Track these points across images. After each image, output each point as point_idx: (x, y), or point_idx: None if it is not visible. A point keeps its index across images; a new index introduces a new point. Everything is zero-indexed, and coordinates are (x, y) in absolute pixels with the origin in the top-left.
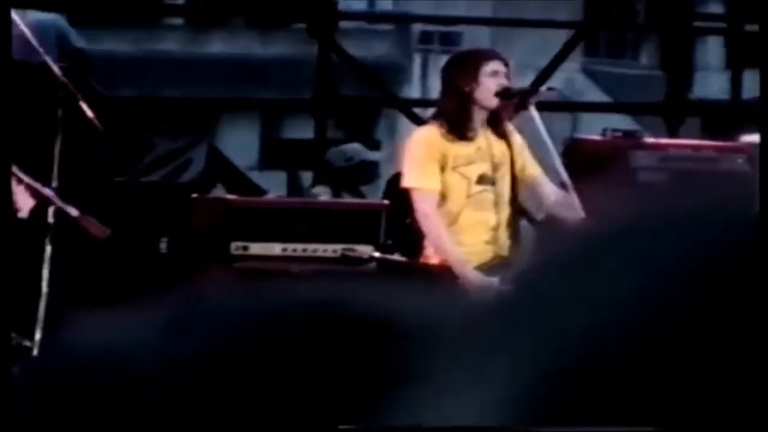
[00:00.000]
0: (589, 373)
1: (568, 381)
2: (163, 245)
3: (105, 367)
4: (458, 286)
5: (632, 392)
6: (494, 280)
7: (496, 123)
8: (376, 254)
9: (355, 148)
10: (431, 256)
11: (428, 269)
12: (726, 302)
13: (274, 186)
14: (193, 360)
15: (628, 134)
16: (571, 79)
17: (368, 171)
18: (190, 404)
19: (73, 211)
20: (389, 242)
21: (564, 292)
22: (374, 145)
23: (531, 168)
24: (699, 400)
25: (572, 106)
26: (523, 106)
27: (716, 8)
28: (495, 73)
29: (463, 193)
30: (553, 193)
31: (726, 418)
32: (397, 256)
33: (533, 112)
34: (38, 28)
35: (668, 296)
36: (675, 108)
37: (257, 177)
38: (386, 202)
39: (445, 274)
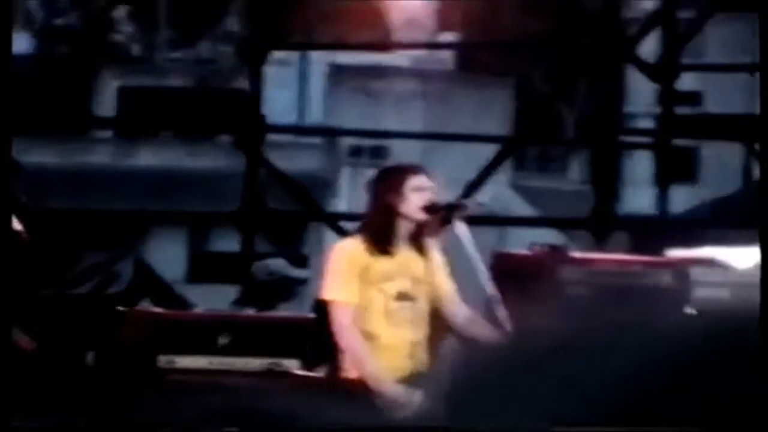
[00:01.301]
0: None
1: None
2: (89, 358)
3: None
4: (376, 401)
5: None
6: (413, 393)
7: (417, 239)
8: (295, 371)
9: (278, 263)
10: (348, 371)
11: (345, 385)
12: (651, 414)
13: (202, 299)
14: None
15: (554, 248)
16: (499, 192)
17: (290, 288)
18: None
19: None
20: (317, 357)
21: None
22: (300, 262)
23: (444, 286)
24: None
25: (500, 220)
26: (448, 221)
27: (645, 123)
28: (420, 188)
29: (381, 310)
30: (462, 311)
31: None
32: (312, 373)
33: (460, 226)
34: None
35: (589, 411)
36: (602, 222)
37: (185, 290)
38: (312, 315)
39: (362, 388)
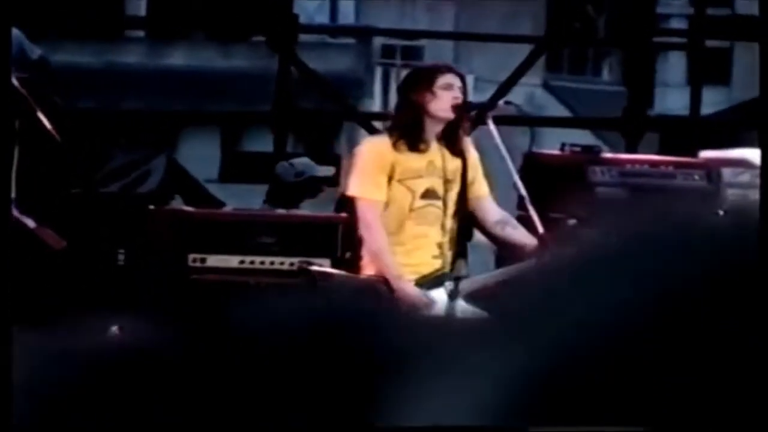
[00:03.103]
0: (569, 388)
1: (546, 398)
2: (120, 257)
3: (58, 380)
4: (393, 299)
5: (611, 411)
6: (437, 292)
7: (452, 138)
8: (314, 267)
9: (304, 162)
10: (367, 266)
11: (366, 281)
12: (691, 310)
13: (234, 198)
14: (145, 369)
15: (586, 149)
16: (531, 93)
17: (317, 186)
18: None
19: (30, 223)
20: (347, 255)
21: (540, 309)
22: (327, 160)
23: (479, 186)
24: (682, 404)
25: (531, 121)
26: (481, 121)
27: (678, 24)
28: (449, 86)
29: (406, 207)
30: (496, 213)
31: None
32: (329, 269)
33: (491, 126)
34: None
35: (636, 308)
36: (634, 123)
37: (217, 189)
38: (344, 215)
39: (380, 285)
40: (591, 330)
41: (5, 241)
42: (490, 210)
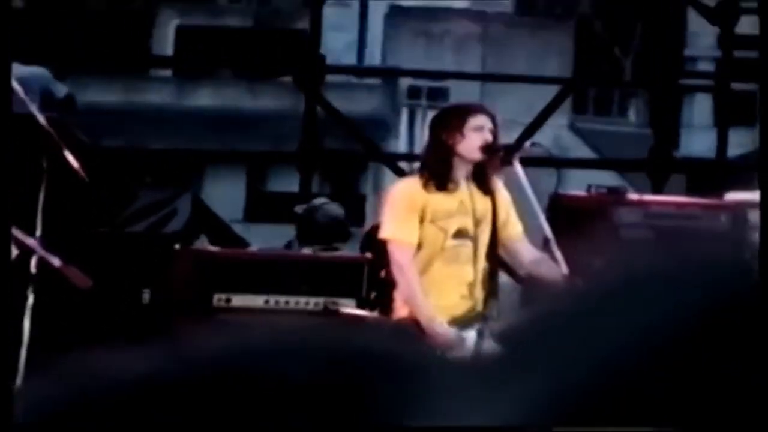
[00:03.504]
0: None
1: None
2: (145, 296)
3: (85, 416)
4: (426, 341)
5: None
6: (467, 333)
7: (481, 178)
8: (345, 309)
9: (323, 202)
10: (400, 308)
11: (397, 324)
12: (713, 355)
13: (259, 238)
14: (172, 406)
15: (612, 191)
16: (558, 135)
17: (348, 230)
18: None
19: (56, 261)
20: (372, 295)
21: (555, 349)
22: (358, 201)
23: (512, 226)
24: (712, 405)
25: (557, 162)
26: (507, 162)
27: (705, 66)
28: (480, 128)
29: (438, 246)
30: (530, 252)
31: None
32: (360, 311)
33: (517, 167)
34: (23, 79)
35: (655, 351)
36: (660, 165)
37: (242, 229)
38: (369, 255)
39: (413, 327)
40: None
41: (6, 243)
42: (526, 250)
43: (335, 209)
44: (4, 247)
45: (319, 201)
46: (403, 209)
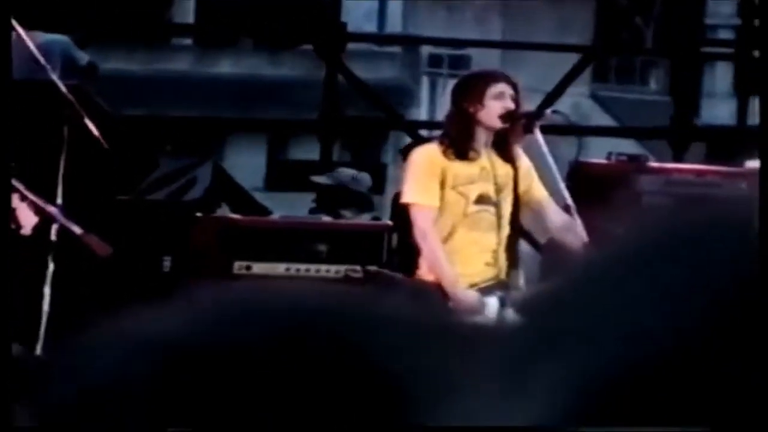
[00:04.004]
0: (610, 404)
1: (587, 413)
2: (166, 264)
3: (106, 384)
4: (449, 305)
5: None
6: (489, 300)
7: (503, 145)
8: (372, 268)
9: (346, 172)
10: (425, 274)
11: (422, 286)
12: (734, 323)
13: (280, 207)
14: (190, 370)
15: (632, 158)
16: (578, 103)
17: (358, 196)
18: (186, 418)
19: (77, 229)
20: (394, 262)
21: (580, 317)
22: (379, 169)
23: (537, 191)
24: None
25: (578, 130)
26: (528, 129)
27: (725, 34)
28: (501, 95)
29: (460, 212)
30: (558, 217)
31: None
32: (390, 272)
33: (537, 135)
34: (44, 47)
35: (678, 317)
36: (681, 133)
37: (263, 197)
38: (389, 223)
39: (437, 291)
40: (642, 332)
41: (5, 242)
42: (554, 213)
43: (367, 179)
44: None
45: (347, 171)
46: (423, 173)
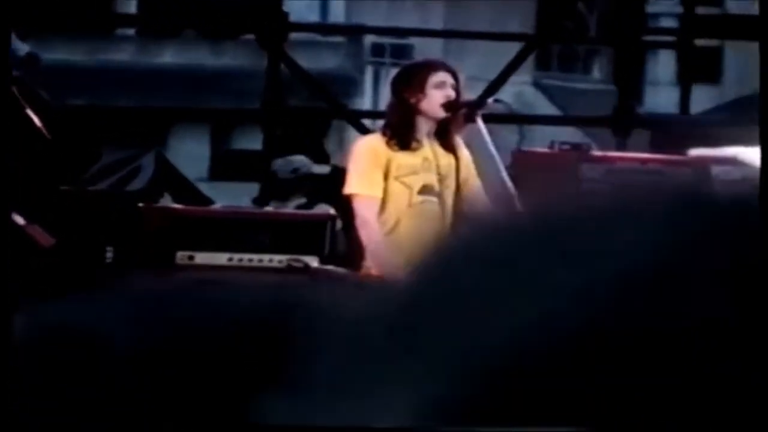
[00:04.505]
0: (507, 372)
1: (485, 380)
2: (109, 254)
3: (45, 371)
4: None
5: (554, 393)
6: None
7: (444, 135)
8: (315, 265)
9: (302, 159)
10: (370, 267)
11: (364, 279)
12: (655, 309)
13: (223, 196)
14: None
15: (575, 147)
16: (521, 92)
17: (313, 184)
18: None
19: (19, 220)
20: (338, 253)
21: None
22: (322, 159)
23: (473, 179)
24: (625, 400)
25: (520, 119)
26: (470, 118)
27: (668, 23)
28: (442, 84)
29: (404, 203)
30: (486, 205)
31: (653, 418)
32: (333, 267)
33: (480, 124)
34: None
35: (595, 297)
36: (624, 121)
37: (206, 187)
38: (332, 212)
39: (381, 283)
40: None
41: (6, 241)
42: (482, 202)
43: (300, 162)
44: None
45: (301, 158)
46: (366, 164)
